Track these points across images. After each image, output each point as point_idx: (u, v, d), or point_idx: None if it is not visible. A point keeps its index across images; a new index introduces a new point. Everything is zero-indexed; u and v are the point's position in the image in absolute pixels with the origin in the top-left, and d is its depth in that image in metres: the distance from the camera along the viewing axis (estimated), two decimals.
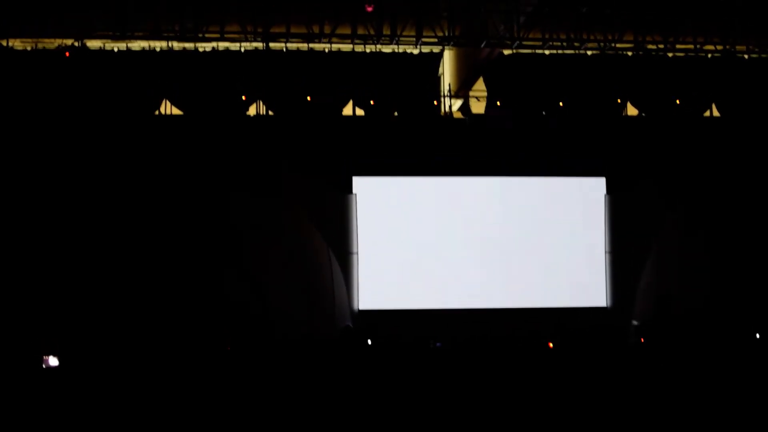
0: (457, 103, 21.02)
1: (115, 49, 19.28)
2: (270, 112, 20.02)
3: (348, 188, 20.33)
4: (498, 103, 19.85)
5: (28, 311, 18.00)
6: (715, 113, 21.31)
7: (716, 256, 20.58)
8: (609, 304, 20.88)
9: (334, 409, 15.00)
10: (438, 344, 19.12)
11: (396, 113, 20.20)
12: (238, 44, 19.10)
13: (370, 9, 17.63)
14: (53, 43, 18.93)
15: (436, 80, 20.57)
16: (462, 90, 20.91)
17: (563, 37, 18.78)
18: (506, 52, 19.97)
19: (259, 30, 18.04)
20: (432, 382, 16.72)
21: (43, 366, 16.52)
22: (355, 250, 20.18)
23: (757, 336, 19.54)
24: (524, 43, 18.57)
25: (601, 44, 18.77)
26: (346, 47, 19.49)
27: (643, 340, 20.09)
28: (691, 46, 19.06)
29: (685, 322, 19.71)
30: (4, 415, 13.32)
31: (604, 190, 20.95)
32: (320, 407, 14.99)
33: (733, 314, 19.94)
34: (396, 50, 19.87)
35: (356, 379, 16.57)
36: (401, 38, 18.41)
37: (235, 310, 18.65)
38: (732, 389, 15.56)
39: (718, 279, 20.44)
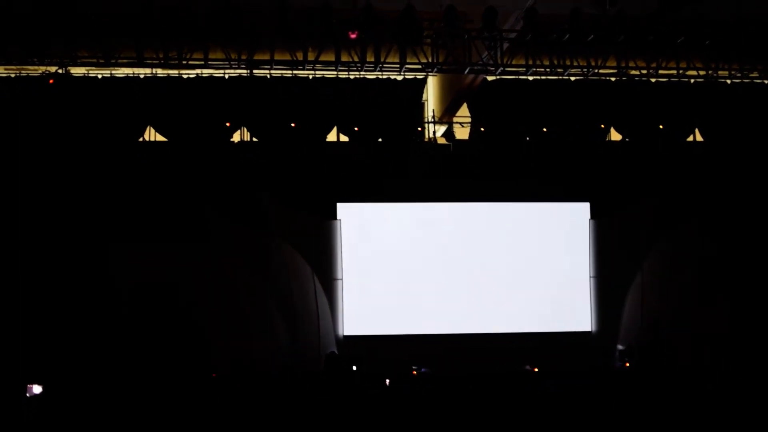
0: (441, 129, 21.03)
1: (99, 76, 19.26)
2: (254, 139, 20.01)
3: (332, 214, 20.32)
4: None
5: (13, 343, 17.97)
6: (699, 138, 21.43)
7: (701, 280, 20.65)
8: (594, 329, 20.87)
9: None
10: (423, 370, 19.10)
11: (380, 139, 20.23)
12: (222, 71, 19.08)
13: (353, 36, 17.59)
14: (37, 70, 18.85)
15: (420, 106, 20.62)
16: (446, 116, 20.91)
17: (546, 63, 18.79)
18: (490, 78, 19.99)
19: (243, 57, 18.01)
20: (418, 409, 16.73)
21: (27, 394, 16.46)
22: (339, 276, 20.15)
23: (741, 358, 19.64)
24: (508, 69, 18.58)
25: (585, 70, 18.79)
26: (330, 74, 19.46)
27: (627, 364, 20.15)
28: (674, 72, 19.11)
29: (671, 346, 19.82)
30: None
31: (588, 215, 21.00)
32: None
33: (719, 338, 19.98)
34: (380, 77, 19.88)
35: (341, 408, 16.57)
36: (385, 65, 18.37)
37: (221, 337, 18.62)
38: (718, 412, 15.68)
39: (704, 303, 20.48)
